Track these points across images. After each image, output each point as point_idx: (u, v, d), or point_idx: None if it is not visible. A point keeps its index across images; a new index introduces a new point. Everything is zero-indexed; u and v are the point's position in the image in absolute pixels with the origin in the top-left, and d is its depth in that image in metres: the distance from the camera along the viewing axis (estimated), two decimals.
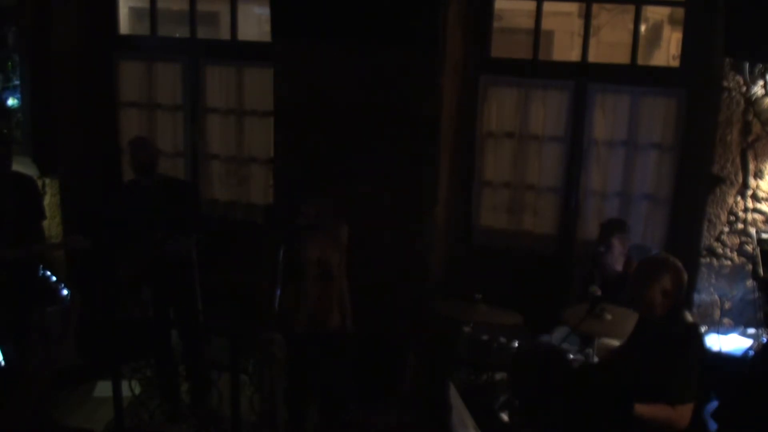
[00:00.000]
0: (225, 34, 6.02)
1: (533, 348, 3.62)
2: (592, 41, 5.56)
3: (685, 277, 3.41)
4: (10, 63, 6.05)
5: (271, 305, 3.93)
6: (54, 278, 5.11)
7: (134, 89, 6.11)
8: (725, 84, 4.69)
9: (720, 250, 4.87)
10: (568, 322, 4.12)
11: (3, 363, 4.57)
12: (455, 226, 5.57)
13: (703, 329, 4.17)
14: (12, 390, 3.51)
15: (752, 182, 4.76)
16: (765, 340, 4.49)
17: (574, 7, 6.46)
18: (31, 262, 4.75)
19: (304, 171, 5.16)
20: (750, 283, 4.78)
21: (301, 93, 5.16)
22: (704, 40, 4.90)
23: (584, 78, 5.26)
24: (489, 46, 5.40)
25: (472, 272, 5.34)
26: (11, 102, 6.12)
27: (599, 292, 4.05)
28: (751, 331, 4.70)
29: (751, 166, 4.74)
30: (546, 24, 5.55)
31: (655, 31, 7.66)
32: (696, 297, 4.91)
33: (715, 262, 4.89)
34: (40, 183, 5.58)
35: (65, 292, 5.10)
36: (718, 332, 4.67)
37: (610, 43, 7.32)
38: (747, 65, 4.63)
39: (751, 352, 4.41)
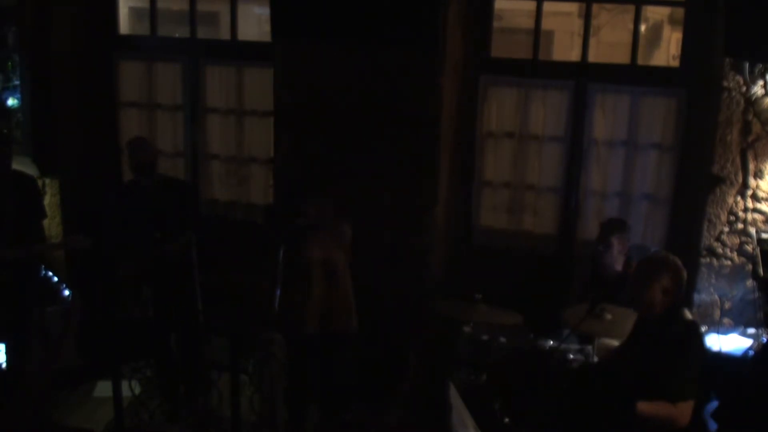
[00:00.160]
0: (225, 34, 6.02)
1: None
2: (592, 41, 5.56)
3: (685, 275, 3.41)
4: (10, 63, 6.05)
5: (271, 305, 3.94)
6: (55, 278, 5.11)
7: (134, 89, 6.11)
8: (725, 84, 4.69)
9: (720, 250, 4.87)
10: (568, 322, 4.12)
11: (4, 362, 4.57)
12: (455, 226, 5.57)
13: (703, 329, 4.16)
14: (12, 390, 3.51)
15: (752, 182, 4.76)
16: (765, 340, 4.49)
17: (574, 7, 6.46)
18: (32, 262, 4.75)
19: (304, 171, 5.16)
20: (750, 283, 4.78)
21: (301, 93, 5.16)
22: (704, 40, 4.91)
23: (584, 78, 5.26)
24: (489, 46, 5.40)
25: (472, 272, 5.34)
26: (11, 102, 6.12)
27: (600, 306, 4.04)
28: (751, 331, 4.70)
29: (751, 166, 4.74)
30: (546, 24, 5.54)
31: (655, 31, 7.66)
32: (696, 297, 4.91)
33: (715, 262, 4.89)
34: (40, 183, 5.58)
35: (66, 292, 5.10)
36: (718, 332, 4.67)
37: (610, 43, 7.32)
38: (747, 65, 4.63)
39: (751, 352, 4.41)
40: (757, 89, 4.66)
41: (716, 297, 4.92)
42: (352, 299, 4.47)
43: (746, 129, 4.71)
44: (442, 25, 4.85)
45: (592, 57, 5.48)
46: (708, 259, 4.89)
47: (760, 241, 4.67)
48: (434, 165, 5.04)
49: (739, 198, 4.79)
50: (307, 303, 4.34)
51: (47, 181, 5.97)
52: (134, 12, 6.37)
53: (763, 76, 4.64)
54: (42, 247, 4.93)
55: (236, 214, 6.02)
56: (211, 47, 5.96)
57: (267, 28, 5.40)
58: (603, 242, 4.68)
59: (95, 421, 4.70)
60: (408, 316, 4.92)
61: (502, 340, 4.26)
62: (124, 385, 4.63)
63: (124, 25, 6.21)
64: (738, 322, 4.86)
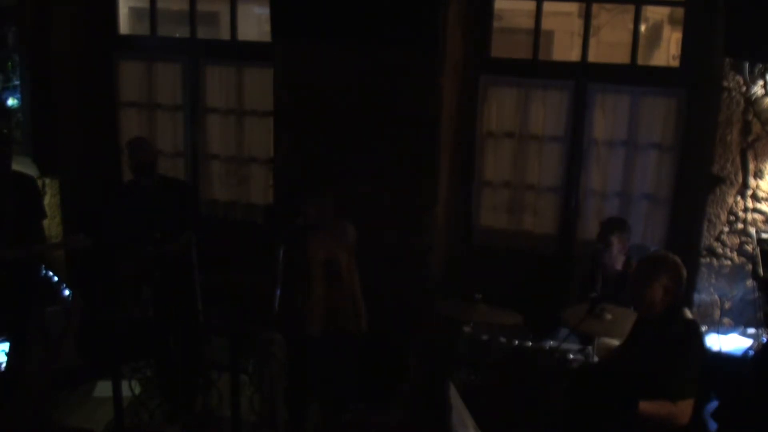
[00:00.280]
0: (225, 34, 6.02)
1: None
2: (592, 41, 5.56)
3: (685, 273, 3.42)
4: (10, 63, 6.05)
5: (271, 305, 3.94)
6: (55, 278, 5.11)
7: (134, 89, 6.11)
8: (725, 84, 4.69)
9: (720, 250, 4.87)
10: (568, 322, 4.12)
11: (5, 362, 4.57)
12: (455, 226, 5.57)
13: (703, 329, 4.17)
14: (12, 390, 3.51)
15: (752, 182, 4.76)
16: (765, 340, 4.49)
17: (574, 7, 6.46)
18: (32, 262, 4.75)
19: (304, 171, 5.16)
20: (750, 283, 4.78)
21: (301, 93, 5.16)
22: (704, 40, 4.91)
23: (584, 78, 5.26)
24: (489, 46, 5.40)
25: (472, 272, 5.34)
26: (11, 102, 6.12)
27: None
28: (751, 331, 4.70)
29: (751, 166, 4.74)
30: (546, 24, 5.55)
31: (655, 31, 7.66)
32: (696, 297, 4.91)
33: (715, 262, 4.89)
34: (40, 183, 5.58)
35: (66, 292, 5.10)
36: (718, 332, 4.67)
37: (610, 43, 7.32)
38: (747, 65, 4.63)
39: (751, 352, 4.41)
40: (757, 89, 4.66)
41: (716, 297, 4.92)
42: (358, 300, 4.44)
43: (746, 129, 4.71)
44: (442, 25, 4.85)
45: (592, 57, 5.48)
46: (708, 259, 4.89)
47: (760, 241, 4.67)
48: (434, 165, 5.04)
49: (739, 198, 4.79)
50: (308, 303, 4.33)
51: (47, 181, 5.97)
52: (134, 12, 6.37)
53: (763, 76, 4.64)
54: (42, 247, 4.93)
55: (236, 214, 6.02)
56: (211, 47, 5.96)
57: (267, 28, 5.40)
58: (602, 241, 4.69)
59: (95, 421, 4.70)
60: (408, 316, 4.92)
61: (502, 340, 4.26)
62: (124, 385, 4.63)
63: (124, 25, 6.21)
64: (738, 322, 4.86)
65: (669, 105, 5.12)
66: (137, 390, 4.82)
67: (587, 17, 5.27)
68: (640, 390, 3.26)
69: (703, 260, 4.89)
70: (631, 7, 5.23)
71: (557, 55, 7.51)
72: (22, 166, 5.50)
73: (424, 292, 5.10)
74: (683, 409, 3.22)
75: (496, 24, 5.49)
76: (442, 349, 4.84)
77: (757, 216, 4.78)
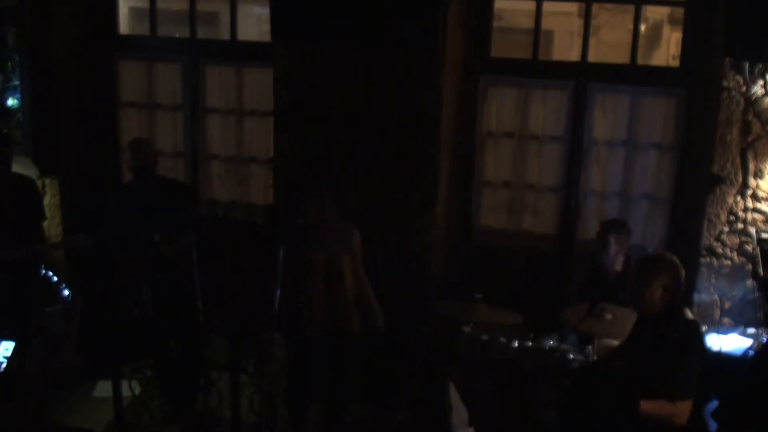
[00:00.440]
0: (225, 35, 6.02)
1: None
2: (592, 41, 5.56)
3: (683, 272, 3.42)
4: (10, 63, 6.04)
5: (271, 305, 3.93)
6: (55, 279, 5.11)
7: (134, 89, 6.11)
8: (725, 84, 4.68)
9: (720, 250, 4.87)
10: (568, 322, 4.12)
11: (5, 362, 4.56)
12: (455, 226, 5.57)
13: (703, 329, 4.17)
14: (12, 390, 3.51)
15: (752, 182, 4.76)
16: (765, 340, 4.49)
17: (574, 7, 6.46)
18: (32, 262, 4.75)
19: (304, 171, 5.16)
20: (750, 283, 4.78)
21: (301, 93, 5.16)
22: (704, 40, 4.91)
23: (584, 78, 5.26)
24: (489, 46, 5.40)
25: (472, 272, 5.34)
26: (11, 102, 6.12)
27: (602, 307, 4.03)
28: (751, 331, 4.70)
29: (751, 166, 4.74)
30: (546, 24, 5.55)
31: (655, 31, 7.67)
32: (696, 297, 4.91)
33: (715, 262, 4.89)
34: (40, 183, 5.58)
35: (66, 292, 5.10)
36: (718, 332, 4.67)
37: (610, 43, 7.33)
38: (747, 65, 4.63)
39: (751, 352, 4.41)
40: (757, 89, 4.66)
41: (716, 297, 4.92)
42: (372, 300, 4.43)
43: (746, 129, 4.71)
44: (442, 25, 4.85)
45: (592, 57, 5.48)
46: (708, 259, 4.89)
47: (760, 241, 4.67)
48: (434, 165, 5.04)
49: (739, 198, 4.79)
50: (308, 303, 4.33)
51: (47, 181, 5.96)
52: (134, 12, 6.37)
53: (763, 76, 4.64)
54: (42, 247, 4.93)
55: (236, 214, 6.02)
56: (210, 47, 5.96)
57: (267, 28, 5.40)
58: (601, 241, 4.70)
59: (95, 421, 4.70)
60: (408, 316, 4.92)
61: (502, 340, 4.26)
62: (124, 385, 4.63)
63: (124, 25, 6.21)
64: (738, 322, 4.86)
65: (669, 105, 5.12)
66: (137, 390, 4.82)
67: (587, 17, 5.27)
68: (639, 390, 3.26)
69: (703, 260, 4.89)
70: (631, 7, 5.23)
71: (557, 55, 7.52)
72: (22, 166, 5.50)
73: (424, 292, 5.10)
74: (682, 410, 3.22)
75: (496, 24, 5.49)
76: (442, 349, 4.84)
77: (757, 216, 4.78)
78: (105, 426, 4.63)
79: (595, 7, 5.57)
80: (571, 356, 4.07)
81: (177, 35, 6.45)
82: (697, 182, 4.99)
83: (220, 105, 5.93)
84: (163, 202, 4.63)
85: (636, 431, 3.28)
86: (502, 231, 5.58)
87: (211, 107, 5.96)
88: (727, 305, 4.91)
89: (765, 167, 4.73)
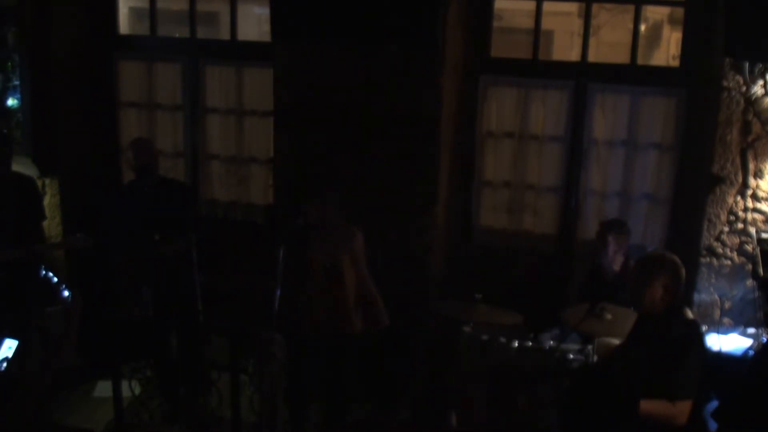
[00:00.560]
0: (225, 35, 6.02)
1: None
2: (592, 41, 5.56)
3: (683, 272, 3.42)
4: (10, 63, 6.04)
5: (271, 305, 3.93)
6: (55, 279, 5.11)
7: (134, 89, 6.11)
8: (725, 84, 4.68)
9: (720, 250, 4.87)
10: (568, 322, 4.12)
11: (6, 362, 4.56)
12: (455, 226, 5.57)
13: (703, 329, 4.17)
14: (12, 390, 3.51)
15: (752, 182, 4.76)
16: (765, 340, 4.49)
17: (574, 7, 6.46)
18: (32, 262, 4.75)
19: (304, 171, 5.16)
20: (750, 282, 4.78)
21: (301, 93, 5.16)
22: (704, 40, 4.91)
23: (584, 78, 5.26)
24: (489, 46, 5.40)
25: (472, 272, 5.34)
26: (11, 102, 6.12)
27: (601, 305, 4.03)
28: (751, 331, 4.70)
29: (751, 166, 4.74)
30: (546, 24, 5.55)
31: (655, 31, 7.67)
32: (696, 297, 4.91)
33: (715, 262, 4.89)
34: (40, 183, 5.58)
35: (66, 292, 5.10)
36: (718, 332, 4.67)
37: (610, 43, 7.33)
38: (747, 65, 4.63)
39: (751, 352, 4.41)
40: (757, 89, 4.66)
41: (716, 297, 4.92)
42: (377, 301, 4.42)
43: (746, 129, 4.71)
44: (442, 25, 4.85)
45: (592, 57, 5.48)
46: (708, 259, 4.89)
47: (760, 241, 4.67)
48: (434, 165, 5.04)
49: (739, 198, 4.79)
50: (308, 304, 4.33)
51: (47, 181, 5.97)
52: (134, 12, 6.37)
53: (763, 76, 4.64)
54: (42, 247, 4.93)
55: (236, 214, 6.02)
56: (210, 47, 5.96)
57: (267, 28, 5.40)
58: (600, 241, 4.70)
59: (95, 421, 4.70)
60: (408, 316, 4.92)
61: (502, 340, 4.26)
62: (124, 385, 4.63)
63: (124, 25, 6.21)
64: (738, 322, 4.86)
65: (669, 105, 5.12)
66: (137, 390, 4.83)
67: (587, 17, 5.27)
68: (639, 390, 3.26)
69: (703, 260, 4.88)
70: (631, 7, 5.23)
71: (557, 55, 7.52)
72: (22, 166, 5.50)
73: (424, 292, 5.10)
74: (682, 410, 3.22)
75: (496, 24, 5.49)
76: (442, 349, 4.84)
77: (757, 216, 4.78)
78: (105, 426, 4.63)
79: (595, 7, 5.57)
80: (571, 356, 4.07)
81: (177, 35, 6.44)
82: (697, 182, 4.99)
83: (220, 105, 5.93)
84: (163, 202, 4.63)
85: (636, 431, 3.27)
86: (502, 231, 5.57)
87: (211, 107, 5.95)
88: (727, 305, 4.91)
89: (765, 167, 4.73)
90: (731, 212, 4.82)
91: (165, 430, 4.73)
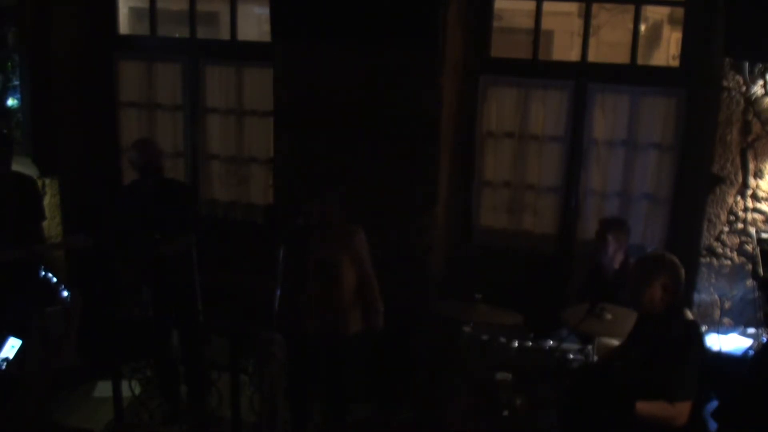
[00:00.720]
0: (225, 35, 6.02)
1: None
2: (592, 41, 5.56)
3: (683, 272, 3.42)
4: (10, 63, 6.04)
5: (271, 305, 3.94)
6: (54, 279, 5.11)
7: (134, 89, 6.11)
8: (725, 84, 4.68)
9: (720, 250, 4.87)
10: (568, 322, 4.12)
11: (6, 362, 4.56)
12: (455, 226, 5.57)
13: (703, 329, 4.17)
14: (12, 390, 3.51)
15: (752, 182, 4.76)
16: (765, 340, 4.49)
17: (574, 7, 6.46)
18: (32, 262, 4.75)
19: (304, 171, 5.16)
20: (750, 282, 4.78)
21: (301, 93, 5.16)
22: (704, 40, 4.90)
23: (584, 78, 5.26)
24: (489, 46, 5.40)
25: (472, 272, 5.34)
26: (11, 102, 6.12)
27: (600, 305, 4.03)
28: (751, 331, 4.70)
29: (751, 166, 4.74)
30: (546, 24, 5.54)
31: (655, 31, 7.67)
32: (696, 297, 4.91)
33: (715, 261, 4.89)
34: (40, 183, 5.58)
35: (65, 293, 5.10)
36: (718, 332, 4.67)
37: (610, 43, 7.33)
38: (747, 65, 4.63)
39: (751, 352, 4.41)
40: (757, 89, 4.66)
41: (716, 297, 4.92)
42: (376, 301, 4.43)
43: (746, 129, 4.71)
44: (442, 25, 4.85)
45: (592, 57, 5.48)
46: (708, 259, 4.89)
47: (760, 241, 4.67)
48: (434, 165, 5.04)
49: (739, 198, 4.79)
50: (307, 303, 4.33)
51: (47, 181, 5.97)
52: (134, 12, 6.37)
53: (763, 76, 4.64)
54: (42, 248, 4.93)
55: (236, 214, 6.02)
56: (210, 47, 5.96)
57: (267, 28, 5.40)
58: (600, 240, 4.70)
59: (95, 421, 4.70)
60: (408, 316, 4.92)
61: (502, 340, 4.26)
62: (124, 385, 4.63)
63: (124, 25, 6.21)
64: (738, 322, 4.86)
65: (669, 105, 5.12)
66: (137, 390, 4.83)
67: (587, 17, 5.27)
68: (639, 390, 3.26)
69: (703, 260, 4.89)
70: (631, 7, 5.23)
71: (557, 55, 7.52)
72: (22, 166, 5.50)
73: (424, 291, 5.10)
74: (681, 411, 3.22)
75: (496, 24, 5.49)
76: (442, 349, 4.84)
77: (757, 216, 4.79)
78: (105, 426, 4.63)
79: (595, 7, 5.57)
80: (571, 356, 4.07)
81: (177, 35, 6.45)
82: (697, 182, 4.99)
83: (220, 105, 5.93)
84: (164, 202, 4.63)
85: (635, 431, 3.28)
86: (502, 231, 5.57)
87: (211, 107, 5.95)
88: (727, 305, 4.91)
89: (765, 167, 4.73)
90: (731, 212, 4.82)
91: (165, 430, 4.73)
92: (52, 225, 5.94)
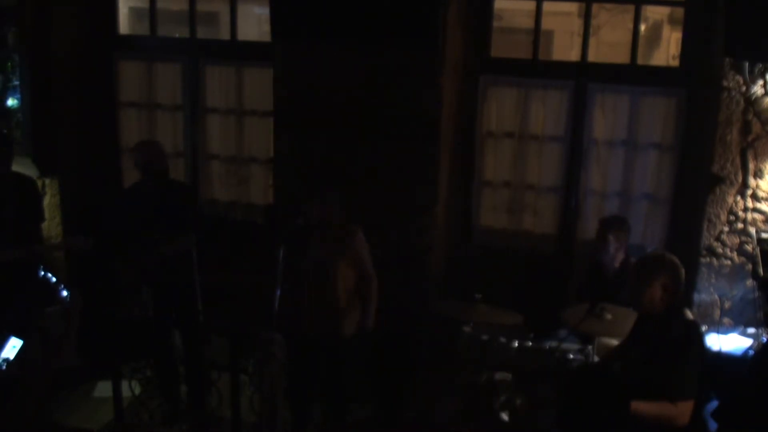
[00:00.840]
0: (225, 35, 6.02)
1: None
2: (592, 41, 5.56)
3: (683, 272, 3.42)
4: (10, 63, 6.05)
5: (271, 305, 3.94)
6: (54, 279, 5.11)
7: (134, 89, 6.11)
8: (725, 84, 4.68)
9: (720, 250, 4.87)
10: (568, 322, 4.12)
11: (6, 362, 4.57)
12: (455, 226, 5.57)
13: (703, 329, 4.17)
14: (12, 391, 3.51)
15: (752, 182, 4.76)
16: (765, 339, 4.49)
17: (574, 7, 6.46)
18: (31, 262, 4.75)
19: (304, 171, 5.16)
20: (750, 282, 4.78)
21: (301, 93, 5.16)
22: (704, 40, 4.90)
23: (584, 78, 5.26)
24: (489, 46, 5.40)
25: (472, 272, 5.34)
26: (11, 102, 6.12)
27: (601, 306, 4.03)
28: (751, 331, 4.70)
29: (751, 166, 4.74)
30: (546, 24, 5.54)
31: (655, 31, 7.67)
32: (696, 297, 4.91)
33: (715, 261, 4.89)
34: (40, 183, 5.58)
35: (65, 293, 5.11)
36: (718, 332, 4.67)
37: (610, 43, 7.33)
38: (747, 65, 4.63)
39: (751, 352, 4.41)
40: (757, 89, 4.66)
41: (716, 297, 4.92)
42: (371, 302, 4.43)
43: (746, 129, 4.71)
44: (442, 25, 4.85)
45: (592, 57, 5.48)
46: (708, 259, 4.89)
47: (760, 240, 4.67)
48: (434, 165, 5.04)
49: (739, 198, 4.79)
50: (305, 304, 4.33)
51: (47, 181, 5.97)
52: (134, 12, 6.37)
53: (763, 76, 4.64)
54: (42, 248, 4.94)
55: (236, 214, 6.02)
56: (210, 47, 5.96)
57: (267, 28, 5.39)
58: (600, 239, 4.70)
59: (95, 421, 4.70)
60: (408, 316, 4.92)
61: (502, 340, 4.26)
62: (124, 385, 4.63)
63: (124, 25, 6.21)
64: (738, 322, 4.86)
65: (669, 105, 5.12)
66: (137, 390, 4.83)
67: (587, 17, 5.27)
68: (639, 390, 3.26)
69: (703, 260, 4.88)
70: (631, 7, 5.23)
71: (557, 55, 7.52)
72: (22, 166, 5.50)
73: (425, 291, 5.10)
74: (683, 410, 3.22)
75: (496, 24, 5.49)
76: (442, 349, 4.84)
77: (757, 216, 4.78)
78: (105, 426, 4.63)
79: (595, 7, 5.57)
80: (571, 356, 4.07)
81: (177, 35, 6.45)
82: (697, 182, 4.99)
83: (220, 105, 5.93)
84: (164, 203, 4.63)
85: (636, 431, 3.27)
86: (502, 231, 5.57)
87: (211, 107, 5.95)
88: (727, 305, 4.91)
89: (765, 167, 4.73)
90: (731, 212, 4.82)
91: (165, 430, 4.73)
92: (52, 225, 5.94)
